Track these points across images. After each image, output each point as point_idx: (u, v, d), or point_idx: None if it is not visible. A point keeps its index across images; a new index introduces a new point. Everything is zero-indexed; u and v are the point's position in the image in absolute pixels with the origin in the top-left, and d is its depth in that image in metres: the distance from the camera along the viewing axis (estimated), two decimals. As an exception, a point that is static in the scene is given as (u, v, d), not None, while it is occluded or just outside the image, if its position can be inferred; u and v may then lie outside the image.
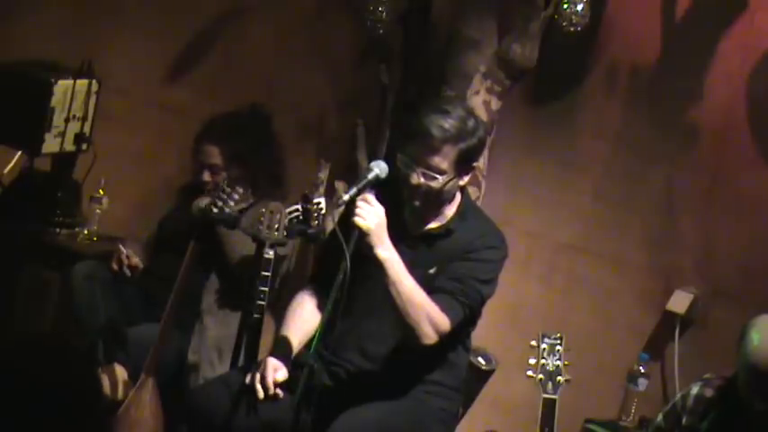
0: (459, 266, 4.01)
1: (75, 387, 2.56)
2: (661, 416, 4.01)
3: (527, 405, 4.45)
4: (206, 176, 5.27)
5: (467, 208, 4.13)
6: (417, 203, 4.01)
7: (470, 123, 4.01)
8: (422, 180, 3.97)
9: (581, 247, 5.35)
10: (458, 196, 4.11)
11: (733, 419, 3.85)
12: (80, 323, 5.19)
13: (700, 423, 3.88)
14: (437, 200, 4.03)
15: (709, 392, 3.90)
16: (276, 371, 3.97)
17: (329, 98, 5.76)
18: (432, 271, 4.02)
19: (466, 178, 4.07)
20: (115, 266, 5.21)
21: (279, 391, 3.96)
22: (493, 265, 4.07)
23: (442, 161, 3.96)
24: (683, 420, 3.92)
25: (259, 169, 5.19)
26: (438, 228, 4.08)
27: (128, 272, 5.19)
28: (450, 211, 4.09)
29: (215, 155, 5.25)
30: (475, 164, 4.09)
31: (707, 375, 3.98)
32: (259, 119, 5.42)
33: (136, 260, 5.20)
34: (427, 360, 4.08)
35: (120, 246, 5.22)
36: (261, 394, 3.95)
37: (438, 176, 3.97)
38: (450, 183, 4.00)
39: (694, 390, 3.94)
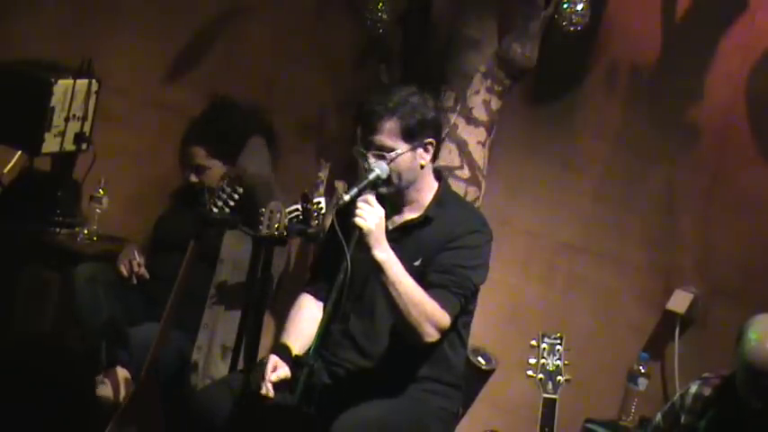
0: (446, 257, 3.99)
1: (71, 387, 2.56)
2: (660, 415, 4.01)
3: (527, 405, 4.45)
4: (193, 178, 5.31)
5: (444, 195, 4.11)
6: (383, 190, 3.98)
7: (414, 99, 3.99)
8: (372, 160, 3.96)
9: (581, 246, 5.35)
10: (434, 184, 4.09)
11: (731, 418, 3.85)
12: (82, 325, 5.20)
13: (698, 421, 3.88)
14: (399, 181, 3.99)
15: (707, 391, 3.91)
16: (277, 369, 3.97)
17: (329, 98, 5.76)
18: (417, 263, 4.00)
19: (426, 156, 4.02)
20: (125, 272, 5.23)
21: (270, 387, 3.94)
22: (479, 250, 4.04)
23: (387, 138, 3.95)
24: (682, 419, 3.92)
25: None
26: (417, 218, 4.07)
27: (134, 280, 5.22)
28: (427, 199, 4.07)
29: (199, 155, 5.31)
30: (432, 140, 4.02)
31: (705, 374, 3.99)
32: (224, 110, 5.46)
33: (144, 271, 5.22)
34: (425, 357, 4.07)
35: (136, 252, 5.25)
36: (263, 389, 3.94)
37: (386, 154, 3.95)
38: (403, 158, 3.97)
39: (693, 389, 3.95)
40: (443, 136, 4.37)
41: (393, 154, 3.95)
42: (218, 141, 5.32)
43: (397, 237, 4.02)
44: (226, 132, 5.36)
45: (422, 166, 4.03)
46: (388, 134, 3.96)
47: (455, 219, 4.06)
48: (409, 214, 4.08)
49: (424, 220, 4.06)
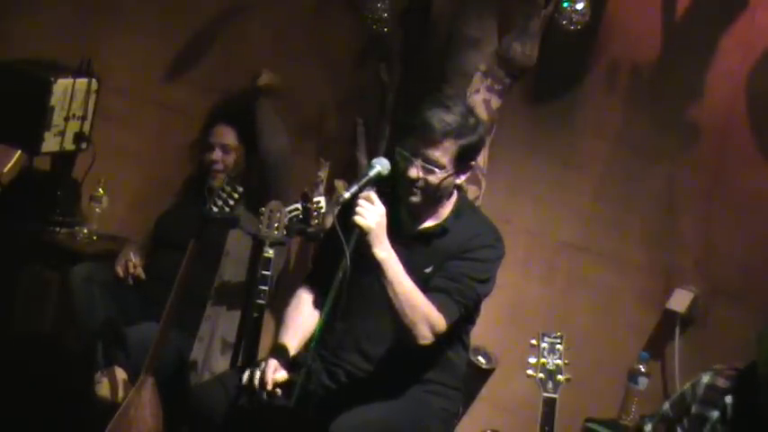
0: (456, 265, 4.00)
1: (70, 386, 2.56)
2: (668, 404, 3.95)
3: (527, 404, 4.44)
4: (216, 155, 5.30)
5: (462, 206, 4.12)
6: (415, 199, 3.99)
7: (471, 120, 4.02)
8: (420, 174, 3.96)
9: (581, 245, 5.34)
10: (454, 195, 4.10)
11: (745, 410, 3.81)
12: (78, 324, 5.20)
13: (710, 412, 3.84)
14: (434, 196, 4.02)
15: (720, 382, 3.87)
16: (276, 371, 3.97)
17: (329, 97, 5.76)
18: (428, 270, 4.00)
19: (463, 177, 4.06)
20: (121, 273, 5.23)
21: (278, 389, 3.96)
22: (489, 264, 4.06)
23: (443, 155, 3.96)
24: (693, 409, 3.88)
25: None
26: (434, 226, 4.07)
27: (131, 281, 5.22)
28: (446, 209, 4.08)
29: (229, 135, 5.31)
30: (473, 162, 4.08)
31: (717, 366, 3.94)
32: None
33: (140, 271, 5.22)
34: (426, 359, 4.07)
35: (132, 254, 5.24)
36: (260, 388, 3.95)
37: (437, 170, 3.96)
38: (448, 179, 4.00)
39: (705, 379, 3.90)
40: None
41: (444, 173, 3.96)
42: (248, 127, 5.34)
43: (411, 243, 4.03)
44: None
45: (455, 185, 4.06)
46: (444, 152, 3.97)
47: (471, 231, 4.07)
48: (426, 222, 4.09)
49: (441, 231, 4.07)
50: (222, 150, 5.34)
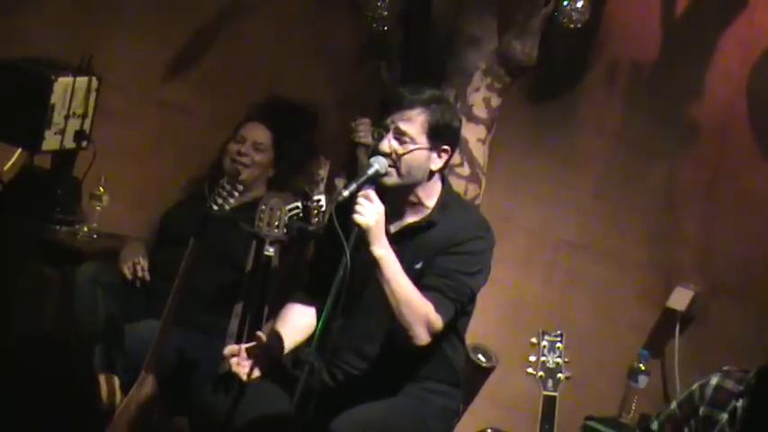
0: (446, 261, 3.96)
1: (73, 386, 2.55)
2: (675, 404, 3.94)
3: (527, 402, 4.45)
4: (245, 148, 5.27)
5: (448, 198, 4.08)
6: (389, 180, 3.94)
7: (445, 99, 4.10)
8: (393, 143, 3.95)
9: (581, 244, 5.35)
10: (438, 187, 4.06)
11: (755, 412, 3.80)
12: (79, 325, 5.19)
13: (719, 413, 3.84)
14: (407, 175, 3.97)
15: (730, 384, 3.85)
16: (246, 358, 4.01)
17: (329, 96, 5.76)
18: (418, 266, 3.97)
19: (439, 162, 4.01)
20: (129, 275, 5.19)
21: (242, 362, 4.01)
22: (480, 256, 4.02)
23: (412, 126, 3.95)
24: (700, 411, 3.87)
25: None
26: (419, 221, 4.04)
27: (138, 284, 5.19)
28: (431, 202, 4.04)
29: (262, 134, 5.29)
30: (447, 146, 4.02)
31: (726, 367, 3.93)
32: (304, 118, 5.49)
33: (147, 274, 5.19)
34: (424, 357, 4.05)
35: (141, 258, 5.20)
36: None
37: (407, 141, 3.94)
38: (419, 153, 3.96)
39: (714, 380, 3.88)
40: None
41: (414, 146, 3.94)
42: (285, 135, 5.33)
43: (398, 240, 3.99)
44: (297, 137, 5.39)
45: (431, 171, 4.02)
46: (414, 123, 3.95)
47: (458, 223, 4.03)
48: (411, 217, 4.05)
49: (428, 225, 4.04)
50: (254, 147, 5.31)
